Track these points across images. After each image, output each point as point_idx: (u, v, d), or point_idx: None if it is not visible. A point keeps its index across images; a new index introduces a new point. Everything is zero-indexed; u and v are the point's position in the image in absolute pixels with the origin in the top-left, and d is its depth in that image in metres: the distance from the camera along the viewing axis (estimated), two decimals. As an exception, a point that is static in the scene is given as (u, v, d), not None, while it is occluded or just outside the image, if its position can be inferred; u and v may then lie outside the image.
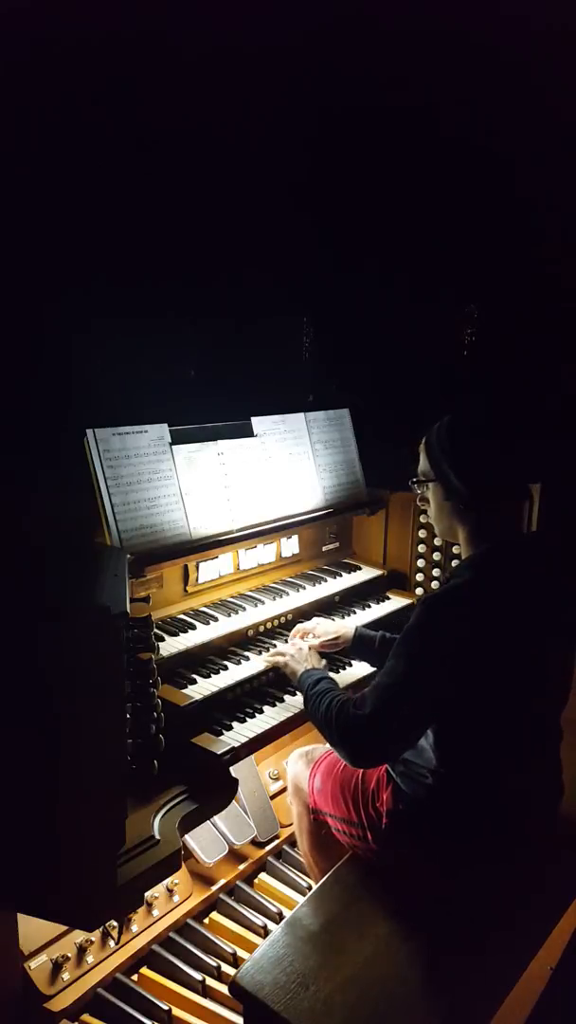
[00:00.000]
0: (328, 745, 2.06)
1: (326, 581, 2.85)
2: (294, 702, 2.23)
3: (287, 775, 2.39)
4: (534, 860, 1.89)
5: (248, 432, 2.69)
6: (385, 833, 1.93)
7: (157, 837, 1.69)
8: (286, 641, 2.43)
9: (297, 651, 2.27)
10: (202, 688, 2.14)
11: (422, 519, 2.98)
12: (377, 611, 2.83)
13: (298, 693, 2.19)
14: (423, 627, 1.71)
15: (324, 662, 2.27)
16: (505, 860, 1.83)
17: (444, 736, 1.79)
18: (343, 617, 2.71)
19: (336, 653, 2.45)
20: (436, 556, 2.97)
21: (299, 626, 2.46)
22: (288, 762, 2.39)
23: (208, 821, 2.48)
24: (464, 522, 1.86)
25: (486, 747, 1.78)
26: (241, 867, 2.67)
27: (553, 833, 1.96)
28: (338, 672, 2.41)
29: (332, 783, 2.12)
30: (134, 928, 2.31)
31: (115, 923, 2.23)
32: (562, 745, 1.97)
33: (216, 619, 2.41)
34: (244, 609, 2.50)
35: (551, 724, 1.91)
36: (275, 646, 2.42)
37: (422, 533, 3.00)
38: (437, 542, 2.96)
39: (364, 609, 2.82)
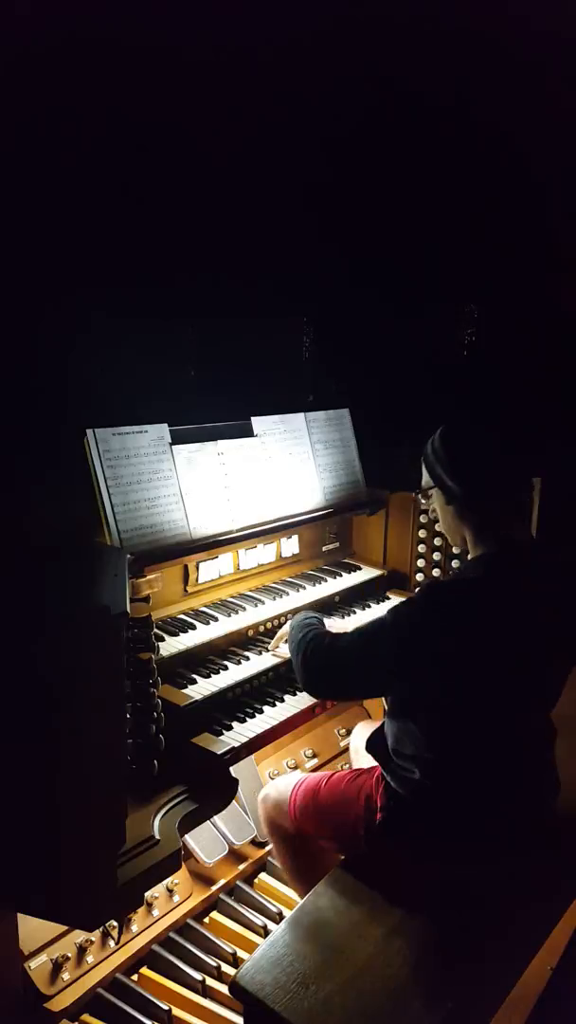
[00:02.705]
0: (294, 775, 2.22)
1: (326, 581, 2.85)
2: (294, 702, 2.23)
3: (260, 816, 2.33)
4: (532, 859, 1.89)
5: (248, 432, 2.69)
6: (380, 834, 1.94)
7: (157, 837, 1.69)
8: (284, 642, 2.43)
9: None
10: (202, 688, 2.14)
11: (422, 519, 2.98)
12: (377, 611, 2.82)
13: (298, 693, 2.26)
14: (424, 608, 1.75)
15: None
16: (502, 856, 1.83)
17: (431, 731, 1.81)
18: (343, 617, 2.71)
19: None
20: (436, 556, 2.96)
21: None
22: (259, 802, 2.32)
23: (208, 821, 2.47)
24: (467, 524, 1.90)
25: (472, 744, 1.79)
26: (241, 867, 2.67)
27: (550, 831, 1.97)
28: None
29: (317, 800, 2.10)
30: (134, 928, 2.31)
31: (115, 923, 2.22)
32: (560, 745, 1.98)
33: (216, 619, 2.41)
34: (244, 609, 2.50)
35: (540, 724, 1.93)
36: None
37: (422, 533, 2.99)
38: (437, 542, 2.96)
39: (364, 609, 2.82)
